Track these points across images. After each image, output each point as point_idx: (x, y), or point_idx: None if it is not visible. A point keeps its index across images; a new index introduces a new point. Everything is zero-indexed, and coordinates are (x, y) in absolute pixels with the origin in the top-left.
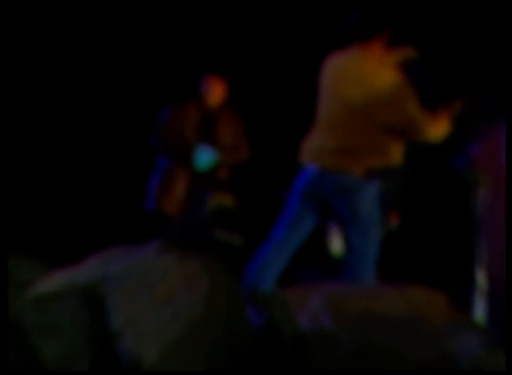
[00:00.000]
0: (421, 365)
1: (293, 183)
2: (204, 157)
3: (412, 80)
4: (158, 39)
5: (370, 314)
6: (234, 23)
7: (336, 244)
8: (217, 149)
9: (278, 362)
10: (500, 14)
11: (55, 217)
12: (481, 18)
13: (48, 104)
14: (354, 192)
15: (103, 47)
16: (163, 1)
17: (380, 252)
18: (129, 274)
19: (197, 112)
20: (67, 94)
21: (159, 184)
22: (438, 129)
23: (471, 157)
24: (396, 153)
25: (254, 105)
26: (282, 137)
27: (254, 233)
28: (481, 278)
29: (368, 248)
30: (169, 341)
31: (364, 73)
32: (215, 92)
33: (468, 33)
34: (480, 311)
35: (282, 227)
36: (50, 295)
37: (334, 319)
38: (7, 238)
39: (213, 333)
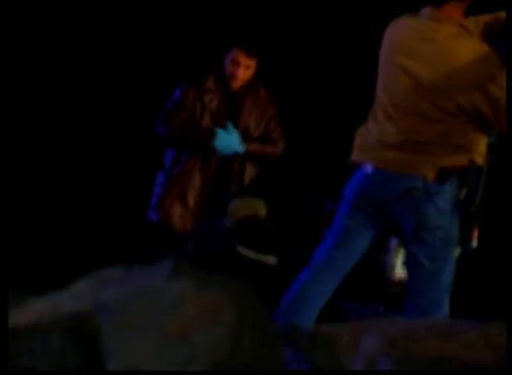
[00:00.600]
0: None
1: (344, 189)
2: (227, 138)
3: (500, 52)
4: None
5: (442, 360)
6: None
7: (398, 267)
8: (243, 142)
9: None
10: None
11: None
12: None
13: (45, 107)
14: (424, 200)
15: (106, 24)
16: None
17: (456, 278)
18: (130, 303)
19: (218, 94)
20: (69, 90)
21: (166, 188)
22: None
23: None
24: (480, 149)
25: (290, 85)
26: (329, 129)
27: (293, 252)
28: None
29: (441, 273)
30: None
31: (439, 44)
32: (242, 69)
33: None
34: None
35: (327, 246)
36: (26, 330)
37: (396, 366)
38: None
39: None
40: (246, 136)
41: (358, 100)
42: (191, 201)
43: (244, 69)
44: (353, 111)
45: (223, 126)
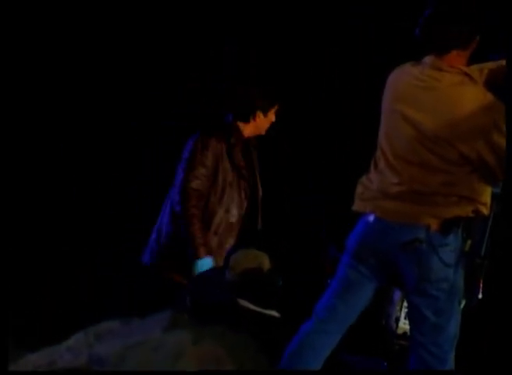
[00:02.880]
0: None
1: (346, 238)
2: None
3: (504, 100)
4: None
5: None
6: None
7: (402, 319)
8: (258, 190)
9: None
10: None
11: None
12: None
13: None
14: (428, 252)
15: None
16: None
17: (461, 331)
18: (127, 357)
19: (240, 148)
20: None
21: (168, 240)
22: None
23: None
24: (484, 199)
25: (290, 85)
26: (331, 178)
27: (295, 304)
28: None
29: (446, 326)
30: None
31: (441, 93)
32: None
33: None
34: None
35: (329, 296)
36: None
37: None
38: None
39: None
40: (256, 189)
41: (358, 100)
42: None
43: (270, 122)
44: (353, 111)
45: (247, 180)
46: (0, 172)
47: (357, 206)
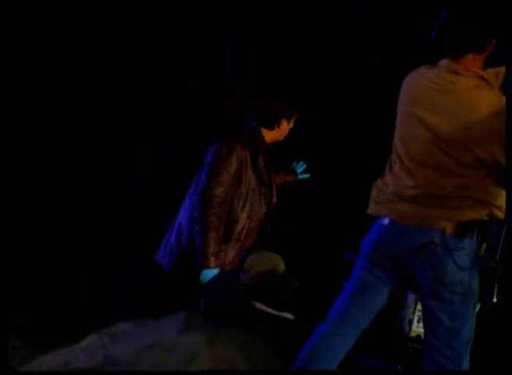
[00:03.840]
0: None
1: (360, 242)
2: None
3: None
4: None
5: None
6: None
7: (415, 322)
8: (274, 196)
9: None
10: None
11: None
12: None
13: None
14: (443, 255)
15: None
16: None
17: (476, 335)
18: (142, 358)
19: (263, 154)
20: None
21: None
22: None
23: None
24: (499, 203)
25: (305, 118)
26: (345, 165)
27: (309, 307)
28: None
29: (460, 330)
30: None
31: (457, 96)
32: (286, 130)
33: None
34: None
35: (344, 299)
36: None
37: None
38: None
39: None
40: (272, 194)
41: (358, 100)
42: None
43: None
44: (353, 111)
45: (267, 187)
46: (0, 172)
47: (371, 209)
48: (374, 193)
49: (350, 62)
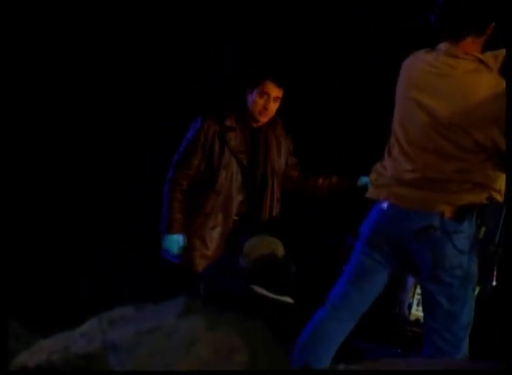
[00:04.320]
0: None
1: (360, 226)
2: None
3: None
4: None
5: None
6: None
7: (414, 306)
8: (267, 177)
9: None
10: None
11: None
12: None
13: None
14: (442, 239)
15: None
16: None
17: (475, 318)
18: (141, 343)
19: (240, 131)
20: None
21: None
22: None
23: None
24: (498, 186)
25: (305, 118)
26: (345, 165)
27: (309, 291)
28: None
29: (459, 313)
30: None
31: (456, 80)
32: (271, 101)
33: None
34: None
35: (343, 283)
36: (37, 369)
37: None
38: None
39: None
40: (273, 174)
41: (358, 100)
42: (212, 243)
43: (273, 102)
44: (353, 111)
45: (245, 166)
46: (0, 172)
47: (370, 193)
48: (373, 177)
49: (350, 62)
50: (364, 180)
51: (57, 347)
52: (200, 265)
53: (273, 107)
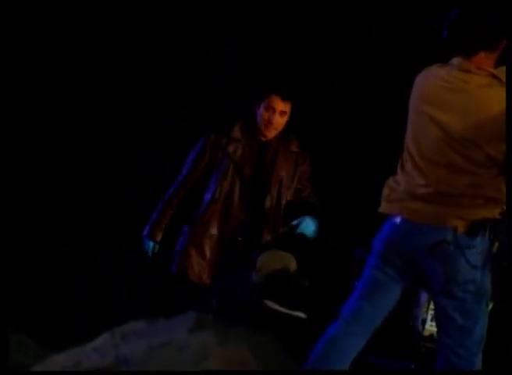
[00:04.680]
0: None
1: (372, 241)
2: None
3: None
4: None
5: None
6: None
7: (428, 321)
8: (270, 191)
9: None
10: None
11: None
12: None
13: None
14: (455, 253)
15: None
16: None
17: (489, 333)
18: (152, 357)
19: (245, 144)
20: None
21: (186, 238)
22: None
23: None
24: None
25: (319, 133)
26: (358, 180)
27: (321, 306)
28: None
29: (473, 328)
30: None
31: (469, 95)
32: (277, 115)
33: None
34: None
35: (356, 298)
36: None
37: None
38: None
39: None
40: (279, 190)
41: (358, 100)
42: (207, 252)
43: (279, 116)
44: (353, 111)
45: (246, 178)
46: (0, 172)
47: (383, 208)
48: (385, 191)
49: (350, 62)
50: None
51: (69, 361)
52: (194, 275)
53: (279, 121)
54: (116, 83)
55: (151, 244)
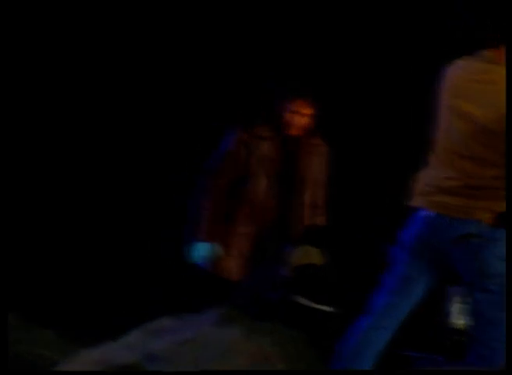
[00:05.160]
0: None
1: (400, 235)
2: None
3: None
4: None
5: None
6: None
7: (458, 314)
8: (296, 186)
9: None
10: None
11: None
12: None
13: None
14: (483, 245)
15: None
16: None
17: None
18: (180, 353)
19: (271, 142)
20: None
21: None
22: None
23: None
24: None
25: (344, 130)
26: (385, 173)
27: (350, 301)
28: None
29: (504, 321)
30: None
31: (497, 88)
32: (298, 116)
33: None
34: None
35: (384, 293)
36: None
37: None
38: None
39: None
40: (303, 183)
41: (358, 100)
42: (237, 248)
43: (302, 117)
44: (354, 111)
45: (275, 175)
46: (1, 172)
47: (412, 202)
48: (413, 185)
49: (350, 62)
50: None
51: (99, 357)
52: (225, 269)
53: (301, 121)
54: (116, 83)
55: (204, 245)
